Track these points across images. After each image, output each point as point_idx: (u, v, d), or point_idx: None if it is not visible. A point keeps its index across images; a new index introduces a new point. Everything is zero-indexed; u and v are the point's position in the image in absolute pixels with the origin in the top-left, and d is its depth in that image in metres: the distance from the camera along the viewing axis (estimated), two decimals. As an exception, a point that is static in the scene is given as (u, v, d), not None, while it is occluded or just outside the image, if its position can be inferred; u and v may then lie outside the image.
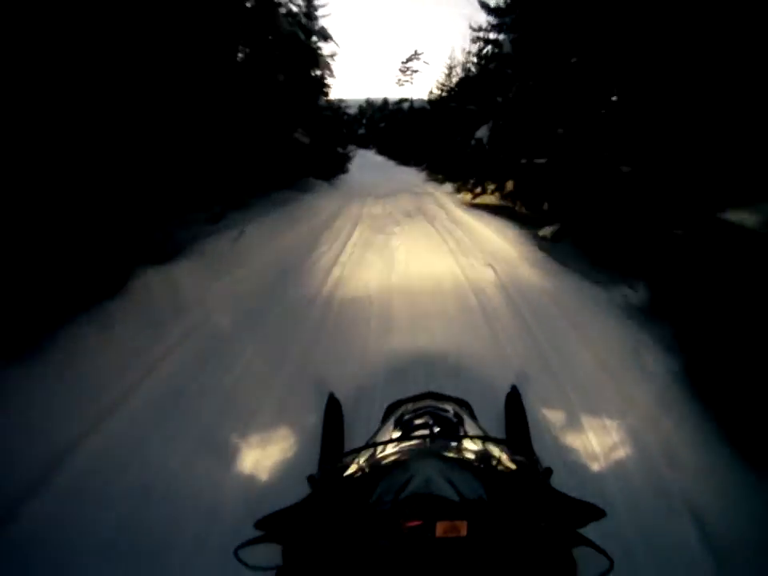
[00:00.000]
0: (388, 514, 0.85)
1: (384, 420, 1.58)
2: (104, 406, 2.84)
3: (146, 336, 3.48)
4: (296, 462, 2.51)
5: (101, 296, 3.42)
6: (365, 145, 38.46)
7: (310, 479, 1.21)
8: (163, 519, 2.22)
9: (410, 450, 1.09)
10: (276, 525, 0.90)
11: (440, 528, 0.79)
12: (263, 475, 2.50)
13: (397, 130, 29.76)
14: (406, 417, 1.41)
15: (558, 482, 1.17)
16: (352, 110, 39.38)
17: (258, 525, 0.90)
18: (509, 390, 2.54)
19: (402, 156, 26.88)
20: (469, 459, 1.03)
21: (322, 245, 6.96)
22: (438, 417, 1.38)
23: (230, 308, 4.34)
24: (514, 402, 2.42)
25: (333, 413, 2.39)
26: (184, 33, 4.50)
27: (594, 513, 0.90)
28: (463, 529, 0.79)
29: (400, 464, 0.98)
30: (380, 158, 31.71)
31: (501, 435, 2.04)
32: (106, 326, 3.24)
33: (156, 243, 4.40)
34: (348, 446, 2.06)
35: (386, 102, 38.78)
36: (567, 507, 0.92)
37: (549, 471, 1.21)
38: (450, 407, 1.48)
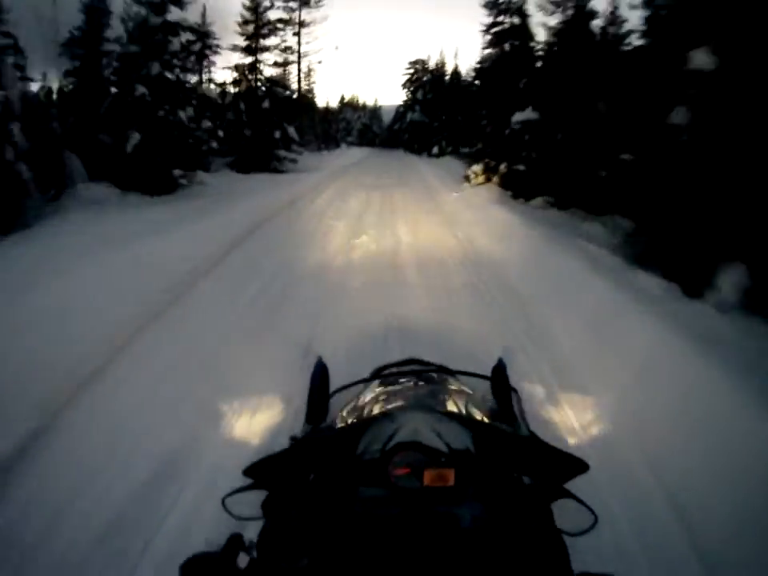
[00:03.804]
0: (375, 462, 0.83)
1: (369, 381, 1.59)
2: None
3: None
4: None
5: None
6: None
7: (293, 439, 1.25)
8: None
9: (396, 405, 1.11)
10: (263, 472, 0.89)
11: (428, 476, 0.79)
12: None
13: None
14: (391, 377, 1.49)
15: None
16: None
17: (246, 472, 0.89)
18: (495, 363, 2.05)
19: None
20: (455, 411, 1.08)
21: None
22: (421, 376, 1.46)
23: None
24: (500, 375, 1.98)
25: (320, 377, 1.99)
26: None
27: (579, 466, 0.89)
28: (451, 477, 0.79)
29: (386, 415, 0.96)
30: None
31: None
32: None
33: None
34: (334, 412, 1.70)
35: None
36: (552, 460, 0.91)
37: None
38: (433, 373, 1.53)
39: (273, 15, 24.46)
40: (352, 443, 0.91)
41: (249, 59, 13.39)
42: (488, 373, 1.81)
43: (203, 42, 15.40)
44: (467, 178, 12.21)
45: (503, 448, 0.92)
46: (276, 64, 14.09)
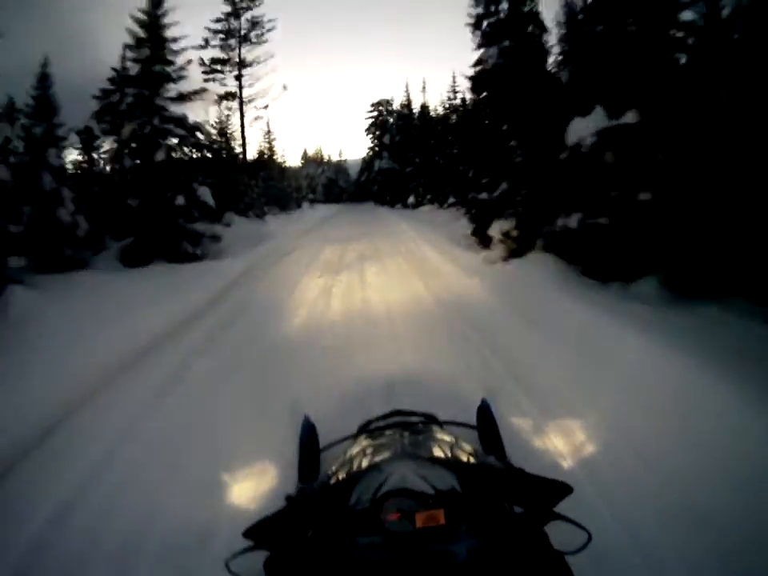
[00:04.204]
0: (367, 511, 0.90)
1: (356, 437, 1.64)
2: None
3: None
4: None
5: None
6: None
7: (288, 499, 1.21)
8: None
9: (384, 457, 1.12)
10: (263, 532, 0.96)
11: (419, 519, 0.85)
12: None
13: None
14: (377, 430, 1.56)
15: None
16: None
17: (246, 534, 0.95)
18: (479, 404, 2.33)
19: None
20: (440, 456, 1.13)
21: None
22: (406, 427, 1.52)
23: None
24: (485, 415, 2.28)
25: (308, 435, 2.22)
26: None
27: (564, 489, 0.96)
28: (441, 517, 0.85)
29: (375, 467, 1.03)
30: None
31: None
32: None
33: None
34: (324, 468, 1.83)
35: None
36: (538, 487, 0.98)
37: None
38: (417, 420, 1.64)
39: (208, 54, 20.98)
40: (344, 496, 0.97)
41: (133, 91, 8.74)
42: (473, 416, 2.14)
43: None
44: (482, 240, 7.64)
45: (489, 483, 0.99)
46: (182, 97, 9.48)
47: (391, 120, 33.66)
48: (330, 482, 1.14)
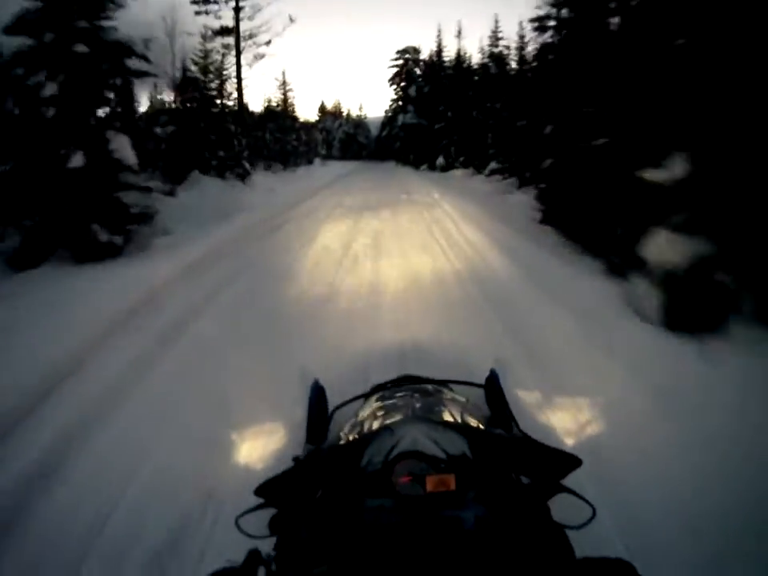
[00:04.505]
0: (379, 473, 0.87)
1: (366, 398, 1.60)
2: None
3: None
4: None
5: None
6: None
7: (296, 459, 1.26)
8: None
9: (395, 419, 1.11)
10: (273, 491, 0.93)
11: (430, 482, 0.82)
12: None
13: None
14: (388, 394, 1.48)
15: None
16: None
17: (257, 492, 0.93)
18: (488, 374, 2.20)
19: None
20: (451, 420, 1.12)
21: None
22: (417, 390, 1.46)
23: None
24: (493, 385, 2.17)
25: (317, 398, 2.17)
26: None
27: (573, 462, 0.93)
28: (452, 482, 0.82)
29: (386, 428, 1.01)
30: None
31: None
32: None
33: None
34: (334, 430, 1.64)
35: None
36: (547, 458, 0.95)
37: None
38: (428, 386, 1.54)
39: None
40: (356, 457, 0.95)
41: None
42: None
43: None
44: (586, 244, 4.18)
45: (498, 451, 0.96)
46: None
47: (418, 70, 29.23)
48: (340, 443, 1.13)
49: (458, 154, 18.28)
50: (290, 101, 29.82)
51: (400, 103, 29.41)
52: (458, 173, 16.86)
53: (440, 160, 19.28)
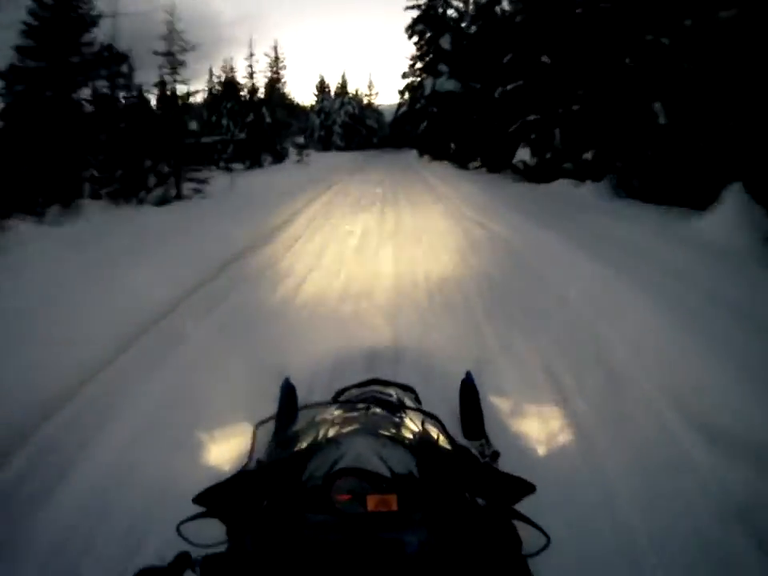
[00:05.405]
0: (319, 489, 0.84)
1: (328, 405, 1.52)
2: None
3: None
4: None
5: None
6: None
7: (259, 462, 1.28)
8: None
9: (346, 430, 1.07)
10: (214, 500, 0.90)
11: (371, 502, 0.79)
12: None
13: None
14: (349, 400, 1.48)
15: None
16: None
17: (197, 500, 0.90)
18: (463, 377, 2.30)
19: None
20: (403, 436, 1.04)
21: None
22: (379, 401, 1.41)
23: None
24: (468, 389, 2.24)
25: (288, 397, 2.22)
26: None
27: (526, 488, 0.92)
28: (393, 503, 0.79)
29: (333, 441, 0.97)
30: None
31: (455, 419, 2.00)
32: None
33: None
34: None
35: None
36: (501, 483, 0.94)
37: (496, 454, 1.47)
38: (393, 392, 1.53)
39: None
40: (298, 470, 0.91)
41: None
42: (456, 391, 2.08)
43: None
44: None
45: (448, 471, 0.93)
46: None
47: (454, 11, 19.25)
48: (289, 452, 1.05)
49: (565, 146, 8.42)
50: (282, 80, 27.97)
51: (427, 60, 19.46)
52: (563, 184, 7.49)
53: (523, 154, 9.48)
